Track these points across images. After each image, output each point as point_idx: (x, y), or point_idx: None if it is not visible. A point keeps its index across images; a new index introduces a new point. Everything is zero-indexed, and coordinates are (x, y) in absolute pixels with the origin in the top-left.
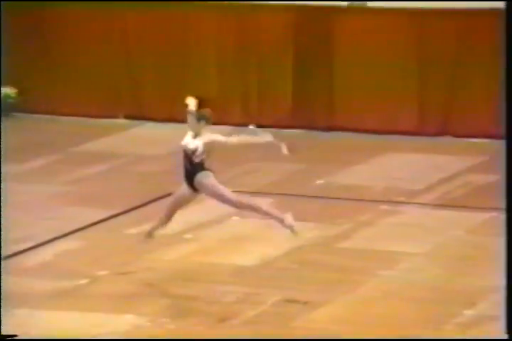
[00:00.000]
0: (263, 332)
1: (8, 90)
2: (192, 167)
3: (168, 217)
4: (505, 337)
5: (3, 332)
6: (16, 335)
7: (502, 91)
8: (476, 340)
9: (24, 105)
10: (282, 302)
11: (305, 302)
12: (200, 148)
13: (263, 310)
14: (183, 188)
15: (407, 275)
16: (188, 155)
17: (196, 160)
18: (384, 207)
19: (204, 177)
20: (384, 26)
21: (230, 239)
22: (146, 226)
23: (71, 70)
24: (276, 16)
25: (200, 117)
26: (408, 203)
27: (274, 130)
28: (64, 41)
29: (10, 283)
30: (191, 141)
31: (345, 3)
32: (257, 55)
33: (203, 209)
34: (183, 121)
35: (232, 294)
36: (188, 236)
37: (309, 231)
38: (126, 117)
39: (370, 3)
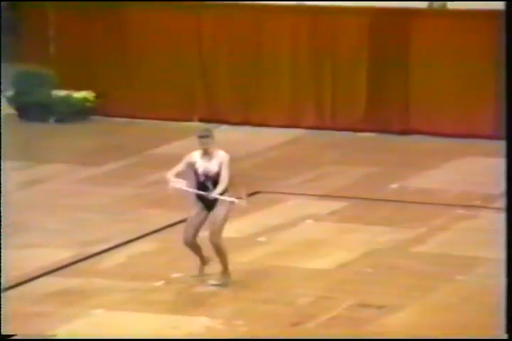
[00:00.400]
0: (337, 336)
1: (86, 94)
2: (215, 187)
3: (201, 253)
4: (505, 337)
5: (79, 333)
6: (15, 335)
7: None
8: (476, 340)
9: (102, 108)
10: (356, 307)
11: (379, 307)
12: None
13: (337, 314)
14: (198, 214)
15: (484, 280)
16: (212, 177)
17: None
18: (459, 211)
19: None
20: (462, 28)
21: (304, 242)
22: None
23: (148, 74)
24: (352, 19)
25: (211, 134)
26: (484, 207)
27: (348, 133)
28: (141, 46)
29: (86, 284)
30: (209, 164)
31: (424, 5)
32: (331, 58)
33: (276, 212)
34: (258, 124)
35: (305, 297)
36: (261, 239)
37: (383, 235)
38: (201, 120)
39: (450, 5)
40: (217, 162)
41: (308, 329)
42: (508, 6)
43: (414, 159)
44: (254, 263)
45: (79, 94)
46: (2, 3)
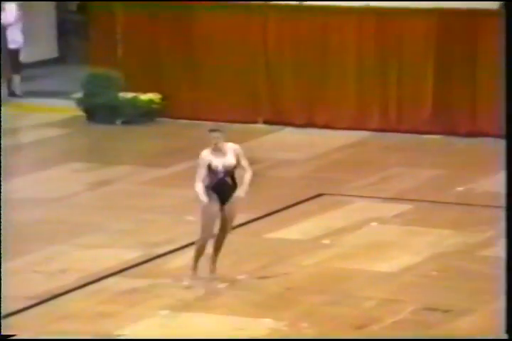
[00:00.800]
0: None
1: (152, 96)
2: (234, 182)
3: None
4: (505, 337)
5: (145, 333)
6: (14, 335)
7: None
8: (476, 340)
9: (168, 110)
10: (422, 310)
11: (446, 311)
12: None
13: (402, 318)
14: (213, 206)
15: None
16: (230, 172)
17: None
18: None
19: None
20: None
21: (368, 245)
22: (285, 231)
23: (213, 76)
24: (418, 20)
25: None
26: None
27: (413, 135)
28: (207, 48)
29: (152, 284)
30: (226, 159)
31: (495, 6)
32: (397, 59)
33: (341, 214)
34: (322, 126)
35: (371, 300)
36: (326, 241)
37: (450, 238)
38: (265, 122)
39: None
40: (233, 154)
41: (373, 333)
42: (508, 6)
43: (481, 161)
44: (319, 265)
45: (145, 96)
46: (71, 6)
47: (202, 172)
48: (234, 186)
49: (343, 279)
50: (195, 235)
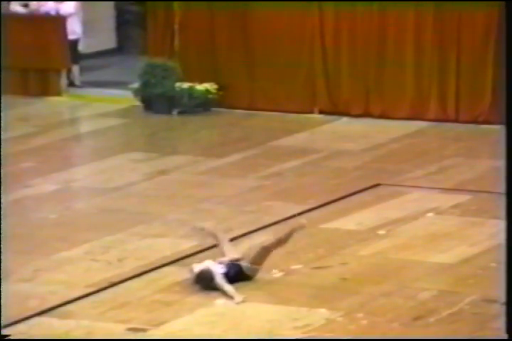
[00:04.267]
0: (459, 332)
1: (208, 86)
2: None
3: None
4: (505, 337)
5: (201, 322)
6: (9, 335)
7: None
8: (476, 340)
9: (224, 101)
10: (480, 302)
11: (504, 303)
12: None
13: (459, 310)
14: None
15: None
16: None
17: None
18: None
19: None
20: None
21: (425, 235)
22: (341, 221)
23: (269, 66)
24: (478, 10)
25: None
26: None
27: (472, 125)
28: (263, 38)
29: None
30: None
31: None
32: (455, 48)
33: (397, 205)
34: (379, 116)
35: (427, 292)
36: (382, 232)
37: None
38: (321, 112)
39: None
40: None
41: (430, 324)
42: (508, 6)
43: None
44: (375, 256)
45: (201, 87)
46: None
47: None
48: None
49: (399, 270)
50: (250, 225)
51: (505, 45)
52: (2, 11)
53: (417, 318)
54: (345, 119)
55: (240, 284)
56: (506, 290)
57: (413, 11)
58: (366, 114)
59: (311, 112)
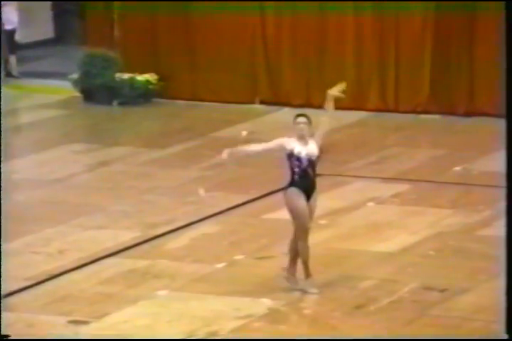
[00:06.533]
0: (399, 320)
1: (149, 77)
2: (314, 174)
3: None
4: (506, 337)
5: (144, 313)
6: (9, 335)
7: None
8: (476, 340)
9: (165, 91)
10: (420, 290)
11: (443, 290)
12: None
13: (399, 297)
14: (306, 204)
15: None
16: (314, 163)
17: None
18: None
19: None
20: None
21: (366, 225)
22: (284, 212)
23: (210, 57)
24: (416, 3)
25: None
26: None
27: (411, 115)
28: (204, 29)
29: (150, 265)
30: (308, 147)
31: None
32: (395, 39)
33: (339, 195)
34: (320, 106)
35: (369, 280)
36: (323, 222)
37: (448, 218)
38: (263, 103)
39: None
40: (315, 144)
41: (371, 313)
42: (508, 6)
43: (478, 141)
44: (318, 246)
45: (142, 77)
46: None
47: (269, 144)
48: (315, 182)
49: (341, 259)
50: (192, 216)
51: (505, 45)
52: None
53: (358, 307)
54: (286, 110)
55: (181, 275)
56: (506, 290)
57: (353, 3)
58: (307, 104)
59: (253, 103)
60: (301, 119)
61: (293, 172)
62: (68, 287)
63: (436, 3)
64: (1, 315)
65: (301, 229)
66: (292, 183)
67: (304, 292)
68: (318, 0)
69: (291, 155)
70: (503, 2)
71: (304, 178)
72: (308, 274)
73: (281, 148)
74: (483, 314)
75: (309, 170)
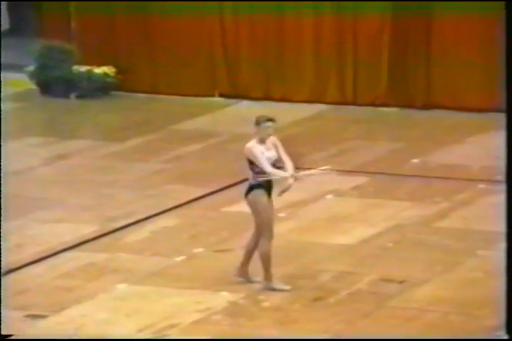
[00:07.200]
0: (358, 311)
1: (107, 69)
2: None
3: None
4: (506, 337)
5: (103, 307)
6: (11, 335)
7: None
8: (476, 340)
9: (123, 84)
10: (378, 282)
11: (401, 282)
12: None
13: (358, 289)
14: (266, 200)
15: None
16: (274, 164)
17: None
18: (482, 186)
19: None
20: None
21: (325, 217)
22: (243, 204)
23: (169, 50)
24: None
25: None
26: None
27: (370, 108)
28: (163, 21)
29: (109, 258)
30: (269, 150)
31: None
32: (353, 32)
33: (298, 188)
34: (279, 99)
35: (328, 273)
36: (282, 214)
37: (406, 211)
38: (222, 95)
39: None
40: (273, 148)
41: (330, 305)
42: (508, 6)
43: (436, 134)
44: (277, 238)
45: (100, 70)
46: None
47: (264, 158)
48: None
49: (300, 252)
50: (151, 209)
51: (505, 45)
52: None
53: (317, 299)
54: (245, 102)
55: (140, 268)
56: (506, 291)
57: (311, 6)
58: (267, 97)
59: (212, 95)
60: (271, 124)
61: (257, 174)
62: (26, 281)
63: (393, 2)
64: None
65: (266, 227)
66: (256, 185)
67: (273, 289)
68: (276, 0)
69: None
70: (504, 2)
71: (268, 182)
72: (267, 277)
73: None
74: (441, 305)
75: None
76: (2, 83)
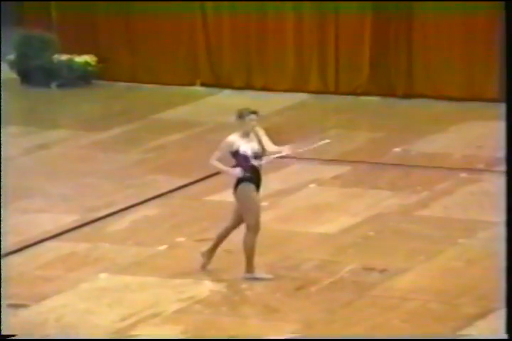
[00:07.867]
0: (339, 300)
1: (88, 58)
2: (260, 166)
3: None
4: (506, 337)
5: (84, 296)
6: (15, 335)
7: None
8: (476, 340)
9: (104, 73)
10: (359, 270)
11: (382, 271)
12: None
13: (340, 278)
14: (254, 194)
15: (488, 244)
16: (259, 156)
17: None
18: (463, 175)
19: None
20: None
21: (307, 206)
22: (225, 194)
23: (150, 39)
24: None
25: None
26: (487, 171)
27: (351, 97)
28: (144, 10)
29: (90, 248)
30: (252, 143)
31: None
32: (334, 22)
33: (279, 177)
34: (261, 88)
35: (309, 262)
36: (264, 203)
37: (387, 200)
38: (203, 85)
39: None
40: (256, 139)
41: (311, 293)
42: (508, 6)
43: (417, 123)
44: None
45: (80, 59)
46: None
47: (217, 154)
48: (261, 173)
49: (281, 241)
50: (132, 199)
51: (505, 45)
52: None
53: (299, 288)
54: (227, 92)
55: (122, 258)
56: (506, 290)
57: (292, 6)
58: (248, 87)
59: (193, 85)
60: (255, 117)
61: (242, 168)
62: (7, 270)
63: None
64: None
65: (254, 221)
66: (244, 178)
67: (256, 279)
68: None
69: (236, 154)
70: (503, 2)
71: (254, 173)
72: (249, 270)
73: (230, 151)
74: (421, 294)
75: (256, 164)
76: None
